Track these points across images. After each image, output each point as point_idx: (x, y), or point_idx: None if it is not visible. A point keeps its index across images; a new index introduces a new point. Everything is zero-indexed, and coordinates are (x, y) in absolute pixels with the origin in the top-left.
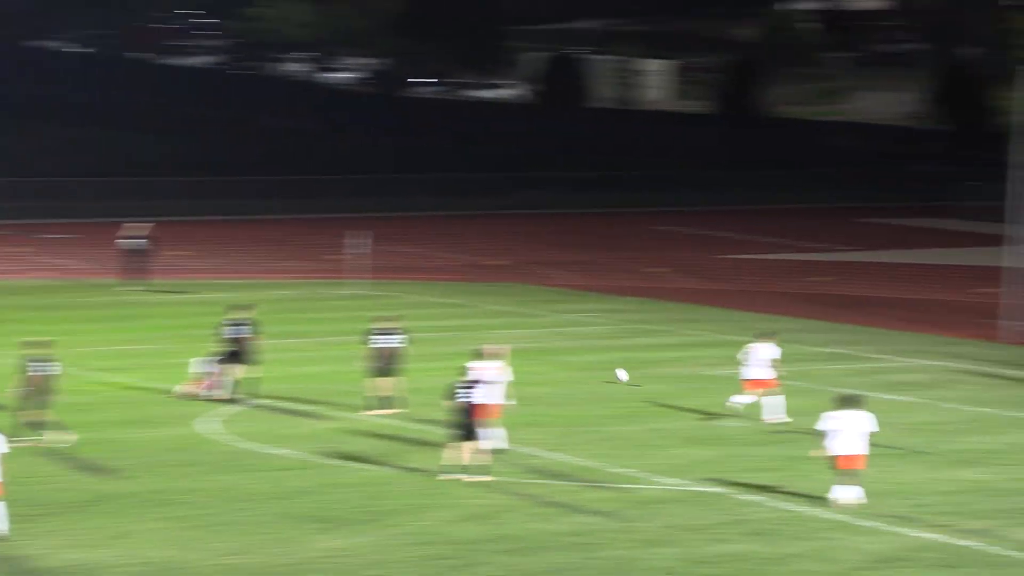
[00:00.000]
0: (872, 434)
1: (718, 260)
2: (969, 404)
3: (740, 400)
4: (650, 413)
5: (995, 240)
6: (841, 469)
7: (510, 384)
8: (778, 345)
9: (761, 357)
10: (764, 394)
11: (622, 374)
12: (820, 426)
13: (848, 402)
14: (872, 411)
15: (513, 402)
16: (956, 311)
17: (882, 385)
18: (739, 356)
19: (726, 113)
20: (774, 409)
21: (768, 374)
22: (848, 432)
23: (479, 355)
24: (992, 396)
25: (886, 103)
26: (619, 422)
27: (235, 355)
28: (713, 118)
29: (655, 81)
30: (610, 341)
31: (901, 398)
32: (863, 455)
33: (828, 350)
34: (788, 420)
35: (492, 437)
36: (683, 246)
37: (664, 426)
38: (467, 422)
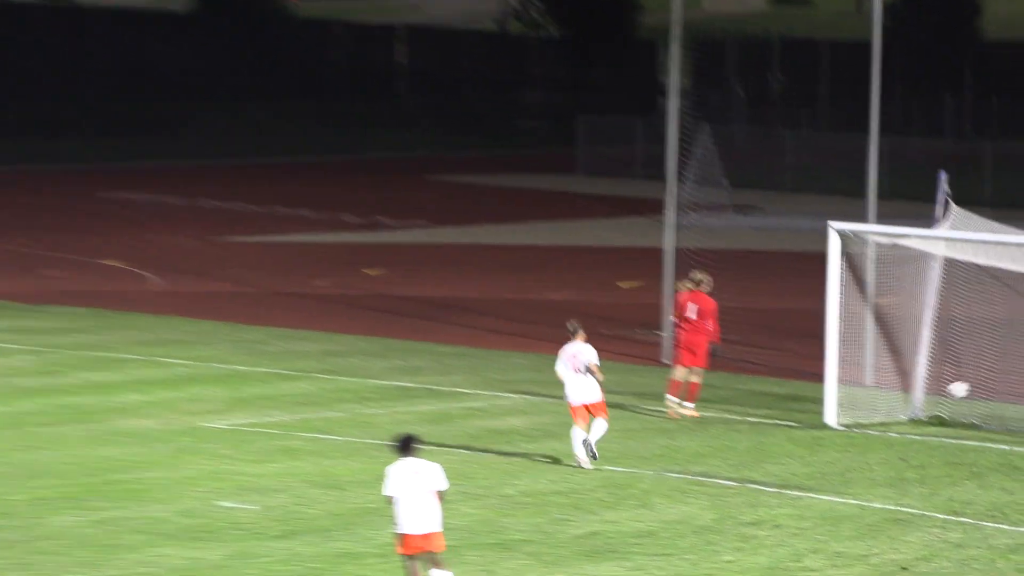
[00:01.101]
0: (442, 495)
1: (215, 245)
2: (615, 464)
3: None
4: (110, 492)
5: (646, 206)
6: (409, 554)
7: None
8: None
9: (582, 362)
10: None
11: (959, 388)
12: (389, 489)
13: (403, 448)
14: (445, 467)
15: None
16: (591, 316)
17: (473, 435)
18: (558, 369)
19: (214, 10)
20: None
21: (596, 393)
22: (409, 496)
23: None
24: (651, 446)
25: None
26: (60, 509)
27: None
28: (192, 18)
29: None
30: (38, 379)
31: (496, 454)
32: (436, 531)
33: (390, 383)
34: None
35: None
36: (157, 223)
37: (134, 514)
38: None
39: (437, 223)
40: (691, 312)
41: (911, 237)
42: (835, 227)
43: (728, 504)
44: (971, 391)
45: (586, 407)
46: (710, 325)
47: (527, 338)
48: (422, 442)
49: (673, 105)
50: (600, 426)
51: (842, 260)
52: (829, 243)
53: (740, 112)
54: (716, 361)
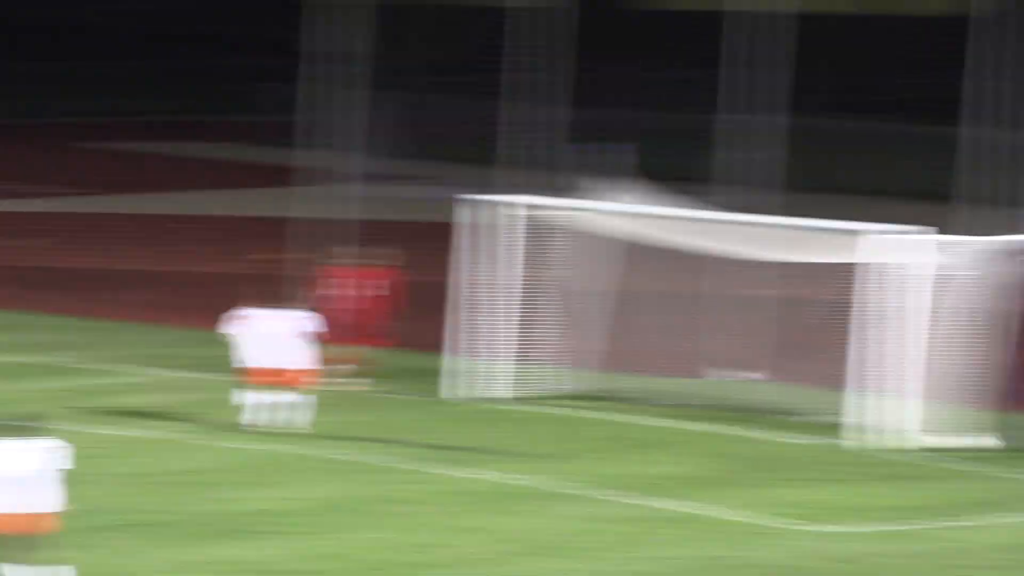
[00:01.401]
0: (62, 475)
1: None
2: (258, 441)
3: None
4: None
5: (283, 176)
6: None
7: None
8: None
9: (276, 332)
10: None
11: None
12: None
13: (24, 427)
14: (77, 446)
15: None
16: (229, 287)
17: (108, 412)
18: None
19: None
20: (305, 411)
21: (298, 359)
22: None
23: None
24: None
25: None
26: None
27: None
28: None
29: None
30: None
31: (133, 432)
32: (42, 512)
33: (16, 359)
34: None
35: None
36: None
37: None
38: None
39: (83, 192)
40: (375, 289)
41: (557, 209)
42: (466, 199)
43: (376, 480)
44: (764, 375)
45: (274, 371)
46: (395, 303)
47: (170, 311)
48: (38, 420)
49: (305, 73)
50: (299, 402)
51: (478, 232)
52: (457, 215)
53: (417, 80)
54: (376, 337)
